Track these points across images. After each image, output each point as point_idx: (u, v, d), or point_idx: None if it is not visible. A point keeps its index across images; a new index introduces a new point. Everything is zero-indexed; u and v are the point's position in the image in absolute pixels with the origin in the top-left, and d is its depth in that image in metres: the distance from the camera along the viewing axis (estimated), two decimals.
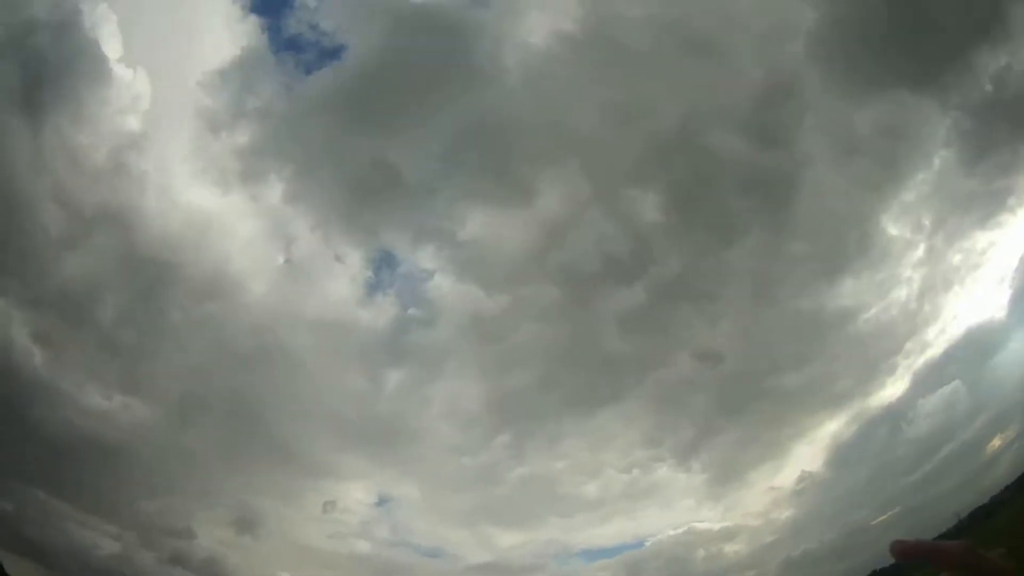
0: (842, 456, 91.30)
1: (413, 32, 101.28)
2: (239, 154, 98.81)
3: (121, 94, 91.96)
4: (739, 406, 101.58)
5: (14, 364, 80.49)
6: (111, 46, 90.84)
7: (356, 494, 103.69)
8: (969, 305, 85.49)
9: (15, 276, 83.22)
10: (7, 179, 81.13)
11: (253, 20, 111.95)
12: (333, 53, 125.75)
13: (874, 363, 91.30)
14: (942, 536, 60.36)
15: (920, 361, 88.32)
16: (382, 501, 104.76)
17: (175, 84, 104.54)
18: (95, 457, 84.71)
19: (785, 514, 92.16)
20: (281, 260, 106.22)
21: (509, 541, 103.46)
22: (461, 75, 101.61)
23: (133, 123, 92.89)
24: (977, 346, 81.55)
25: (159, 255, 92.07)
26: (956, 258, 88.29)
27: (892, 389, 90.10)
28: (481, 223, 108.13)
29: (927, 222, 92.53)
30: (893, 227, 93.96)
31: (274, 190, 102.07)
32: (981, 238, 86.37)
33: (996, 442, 70.89)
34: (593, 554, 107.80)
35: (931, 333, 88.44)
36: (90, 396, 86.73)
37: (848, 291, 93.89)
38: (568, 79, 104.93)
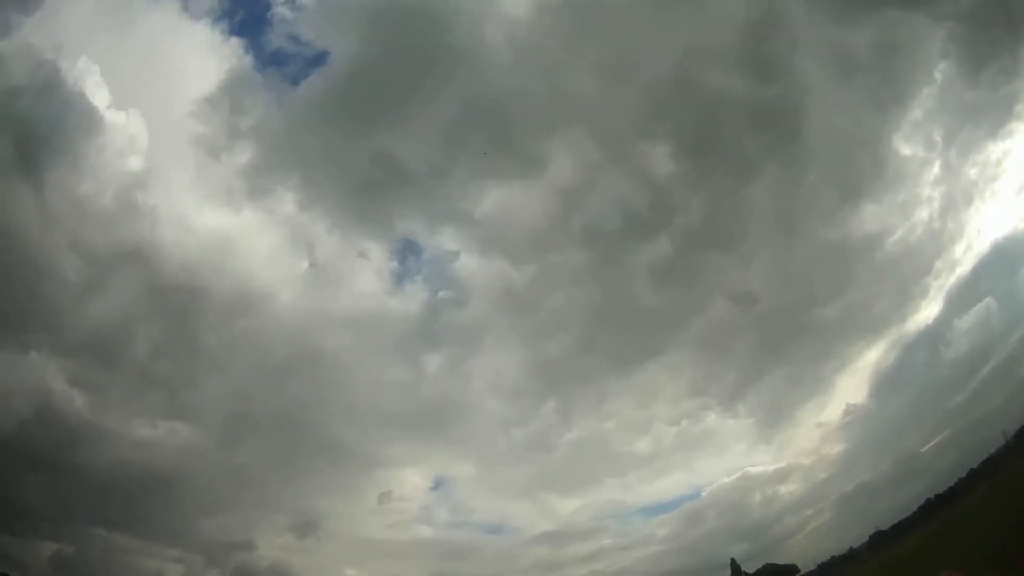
0: (885, 384, 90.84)
1: (392, 26, 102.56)
2: (243, 173, 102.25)
3: (117, 138, 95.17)
4: (779, 345, 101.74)
5: (56, 411, 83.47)
6: (99, 95, 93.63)
7: (412, 480, 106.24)
8: (992, 218, 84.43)
9: (44, 329, 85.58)
10: (20, 239, 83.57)
11: (235, 42, 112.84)
12: (317, 60, 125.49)
13: (906, 286, 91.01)
14: (992, 457, 60.69)
15: (951, 280, 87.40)
16: (438, 484, 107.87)
17: (169, 118, 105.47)
18: (149, 486, 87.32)
19: (836, 449, 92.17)
20: (305, 265, 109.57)
21: (569, 507, 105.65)
22: (448, 59, 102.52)
23: (134, 163, 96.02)
24: (1005, 259, 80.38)
25: (183, 282, 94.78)
26: (972, 172, 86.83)
27: (926, 311, 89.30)
28: (497, 198, 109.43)
29: (938, 138, 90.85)
30: (905, 147, 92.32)
31: (285, 200, 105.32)
32: (994, 149, 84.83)
33: None
34: (652, 509, 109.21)
35: (958, 250, 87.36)
36: (136, 428, 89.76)
37: (871, 216, 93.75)
38: (556, 45, 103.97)
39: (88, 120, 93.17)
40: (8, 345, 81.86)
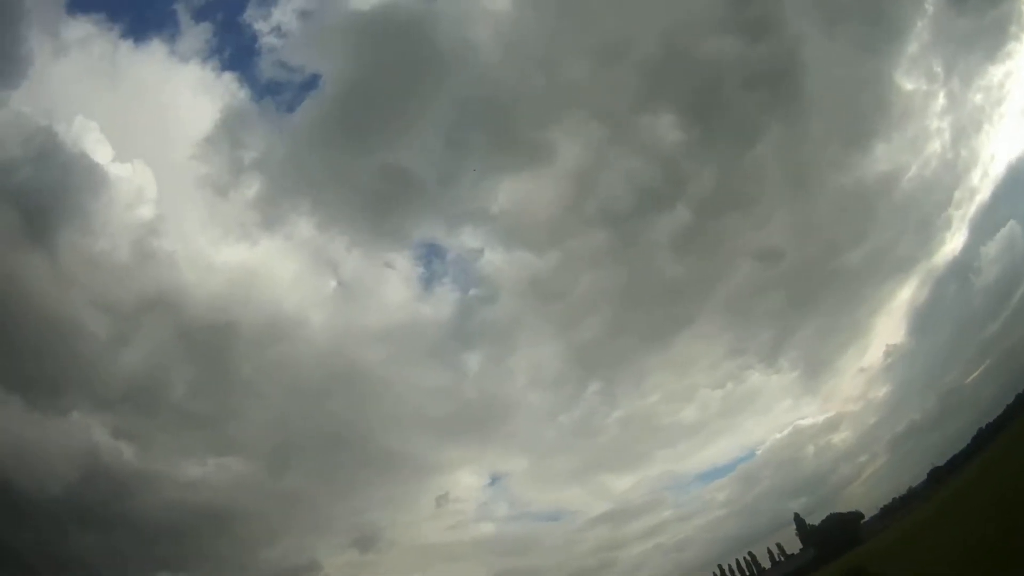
0: (921, 321, 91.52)
1: (378, 40, 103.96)
2: (253, 205, 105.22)
3: (124, 190, 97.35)
4: (810, 296, 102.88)
5: (104, 465, 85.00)
6: (100, 151, 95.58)
7: (467, 481, 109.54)
8: (1003, 141, 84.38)
9: (81, 388, 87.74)
10: (43, 306, 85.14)
11: (227, 77, 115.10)
12: (310, 84, 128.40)
13: (928, 221, 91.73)
14: None
15: (972, 208, 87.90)
16: (493, 480, 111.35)
17: (174, 162, 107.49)
18: (206, 524, 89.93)
19: (881, 392, 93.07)
20: (332, 285, 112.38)
21: (623, 485, 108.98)
22: (439, 65, 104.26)
23: (146, 212, 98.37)
24: (1023, 180, 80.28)
25: (212, 320, 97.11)
26: (977, 97, 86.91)
27: (952, 243, 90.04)
28: (511, 192, 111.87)
29: (939, 69, 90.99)
30: (907, 81, 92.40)
31: (300, 225, 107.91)
32: (996, 72, 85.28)
33: None
34: (707, 476, 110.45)
35: (975, 178, 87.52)
36: (185, 469, 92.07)
37: (883, 155, 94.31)
38: (544, 35, 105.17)
39: (92, 177, 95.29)
40: (47, 409, 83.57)
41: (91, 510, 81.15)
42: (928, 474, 71.26)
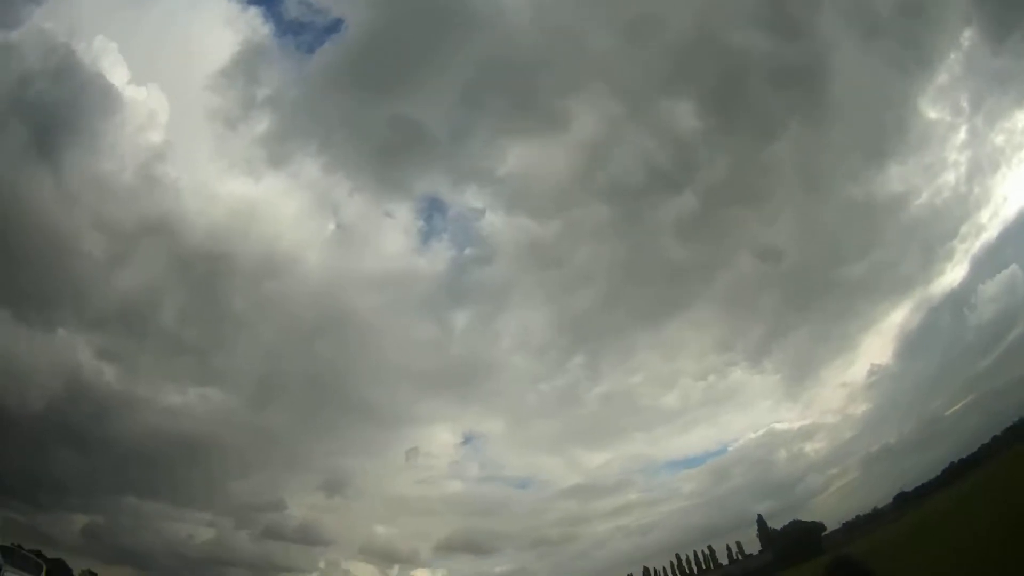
0: (910, 346, 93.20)
1: None
2: (262, 142, 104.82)
3: (137, 113, 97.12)
4: (805, 301, 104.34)
5: (86, 384, 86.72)
6: (117, 72, 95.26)
7: (441, 437, 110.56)
8: (1018, 186, 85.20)
9: (70, 305, 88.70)
10: (42, 221, 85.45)
11: (252, 12, 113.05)
12: (332, 27, 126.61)
13: (931, 248, 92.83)
14: (1016, 424, 61.79)
15: (976, 245, 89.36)
16: (468, 440, 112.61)
17: (189, 90, 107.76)
18: (180, 452, 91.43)
19: (861, 409, 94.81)
20: (332, 227, 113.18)
21: (597, 460, 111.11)
22: (463, 21, 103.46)
23: (155, 136, 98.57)
24: None
25: (209, 250, 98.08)
26: (999, 139, 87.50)
27: (952, 275, 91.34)
28: (520, 156, 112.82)
29: (965, 103, 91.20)
30: (931, 110, 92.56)
31: (307, 166, 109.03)
32: (1021, 117, 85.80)
33: None
34: (678, 464, 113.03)
35: (984, 216, 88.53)
36: (166, 396, 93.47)
37: (896, 176, 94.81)
38: (574, 3, 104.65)
39: (107, 98, 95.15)
40: (34, 323, 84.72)
41: (67, 428, 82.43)
42: (894, 498, 72.53)
